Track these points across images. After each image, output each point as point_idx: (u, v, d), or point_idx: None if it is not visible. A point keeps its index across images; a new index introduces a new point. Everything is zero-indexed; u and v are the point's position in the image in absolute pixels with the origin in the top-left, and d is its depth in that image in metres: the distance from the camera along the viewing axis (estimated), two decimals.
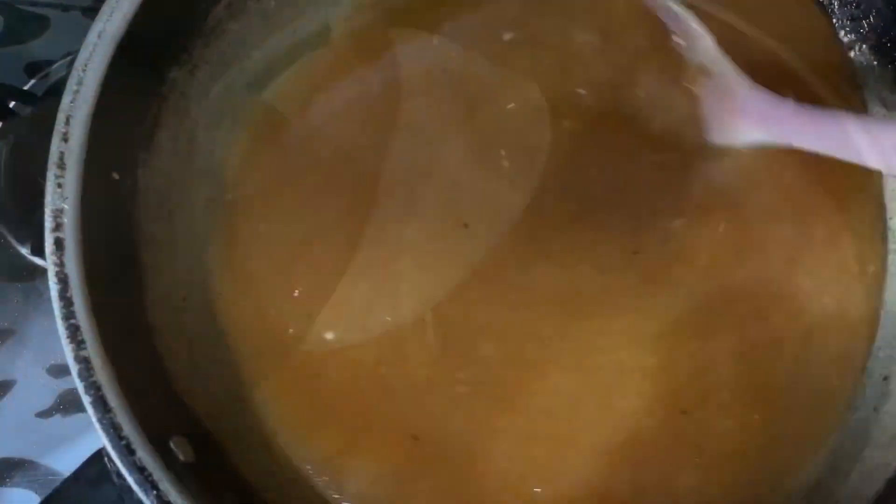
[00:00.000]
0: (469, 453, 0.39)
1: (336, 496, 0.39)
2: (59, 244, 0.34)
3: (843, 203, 0.43)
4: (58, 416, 0.53)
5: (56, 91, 0.57)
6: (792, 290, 0.41)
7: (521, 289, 0.41)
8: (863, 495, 0.38)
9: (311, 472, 0.39)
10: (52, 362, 0.54)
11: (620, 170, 0.42)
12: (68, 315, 0.33)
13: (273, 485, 0.39)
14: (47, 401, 0.53)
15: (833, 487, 0.39)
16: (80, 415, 0.53)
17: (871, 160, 0.35)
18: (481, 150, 0.43)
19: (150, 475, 0.31)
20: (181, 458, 0.34)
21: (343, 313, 0.41)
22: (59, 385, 0.53)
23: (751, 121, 0.39)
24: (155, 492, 0.31)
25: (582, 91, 0.43)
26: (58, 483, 0.50)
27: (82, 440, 0.52)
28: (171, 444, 0.34)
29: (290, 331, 0.41)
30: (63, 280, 0.34)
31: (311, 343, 0.41)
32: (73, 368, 0.32)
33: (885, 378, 0.41)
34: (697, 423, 0.40)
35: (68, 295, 0.33)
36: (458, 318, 0.40)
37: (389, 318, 0.40)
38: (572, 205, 0.42)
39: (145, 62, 0.41)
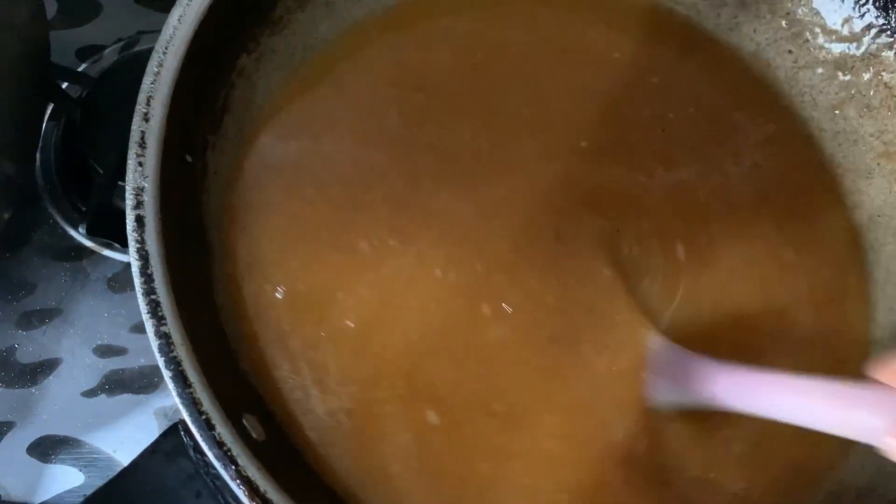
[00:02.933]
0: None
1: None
2: (139, 221, 0.35)
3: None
4: (103, 396, 0.53)
5: (108, 75, 0.58)
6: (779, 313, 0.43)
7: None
8: (891, 490, 0.38)
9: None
10: (98, 343, 0.54)
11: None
12: (149, 291, 0.34)
13: (328, 470, 0.39)
14: (93, 381, 0.53)
15: (857, 481, 0.40)
16: (125, 395, 0.53)
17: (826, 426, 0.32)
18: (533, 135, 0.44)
19: (230, 450, 0.32)
20: (254, 435, 0.35)
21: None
22: (106, 365, 0.54)
23: (667, 379, 0.37)
24: (234, 467, 0.31)
25: None
26: (101, 462, 0.51)
27: (127, 420, 0.53)
28: (244, 422, 0.34)
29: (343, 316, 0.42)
30: (144, 257, 0.34)
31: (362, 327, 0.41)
32: (154, 343, 0.33)
33: None
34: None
35: (149, 271, 0.34)
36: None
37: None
38: None
39: (218, 48, 0.42)
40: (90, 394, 0.53)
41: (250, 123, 0.45)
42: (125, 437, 0.52)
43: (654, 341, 0.38)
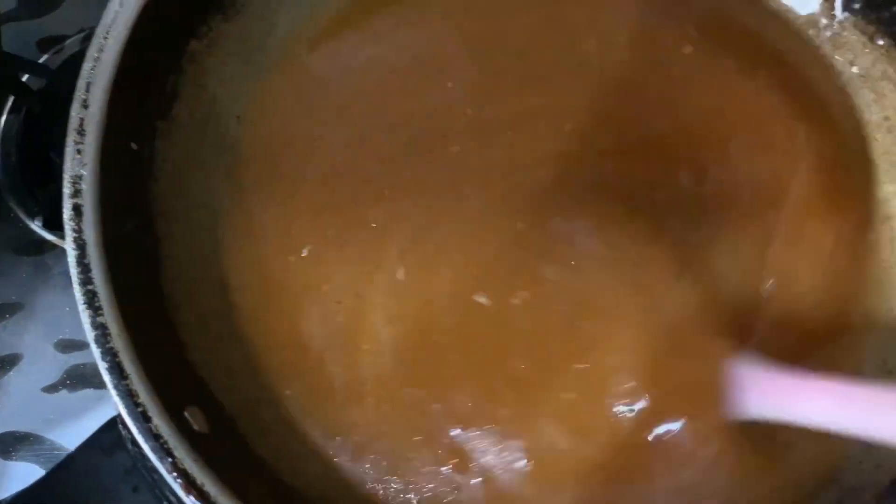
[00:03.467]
0: None
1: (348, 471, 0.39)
2: (77, 210, 0.34)
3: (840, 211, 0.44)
4: (64, 392, 0.53)
5: (69, 66, 0.57)
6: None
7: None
8: (878, 483, 0.38)
9: (322, 447, 0.38)
10: (60, 337, 0.53)
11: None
12: (86, 281, 0.33)
13: (285, 461, 0.38)
14: (54, 376, 0.53)
15: (847, 476, 0.39)
16: (87, 391, 0.53)
17: None
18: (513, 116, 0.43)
19: (166, 442, 0.31)
20: (196, 427, 0.34)
21: (354, 287, 0.41)
22: (67, 360, 0.53)
23: (749, 393, 0.35)
24: (170, 459, 0.31)
25: None
26: (62, 458, 0.51)
27: (88, 416, 0.52)
28: (186, 414, 0.34)
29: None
30: (81, 246, 0.33)
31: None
32: (90, 335, 0.32)
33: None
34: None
35: (86, 261, 0.33)
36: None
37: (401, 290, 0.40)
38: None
39: (164, 33, 0.41)
40: (51, 389, 0.52)
41: (204, 111, 0.44)
42: (87, 433, 0.51)
43: (742, 355, 0.37)
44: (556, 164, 0.42)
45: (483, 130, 0.43)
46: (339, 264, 0.41)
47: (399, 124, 0.43)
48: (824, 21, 0.46)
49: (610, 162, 0.43)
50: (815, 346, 0.41)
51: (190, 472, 0.31)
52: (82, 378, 0.52)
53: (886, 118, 0.45)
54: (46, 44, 0.60)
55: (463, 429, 0.39)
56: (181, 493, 0.30)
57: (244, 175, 0.43)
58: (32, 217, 0.55)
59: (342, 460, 0.39)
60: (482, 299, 0.40)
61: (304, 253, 0.41)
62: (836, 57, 0.47)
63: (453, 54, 0.45)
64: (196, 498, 0.30)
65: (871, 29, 0.45)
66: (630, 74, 0.44)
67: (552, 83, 0.44)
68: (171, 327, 0.38)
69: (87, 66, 0.36)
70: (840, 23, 0.46)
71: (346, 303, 0.40)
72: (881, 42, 0.45)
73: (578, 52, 0.45)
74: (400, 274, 0.41)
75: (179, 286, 0.40)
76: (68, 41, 0.60)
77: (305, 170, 0.43)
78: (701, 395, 0.38)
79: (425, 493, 0.39)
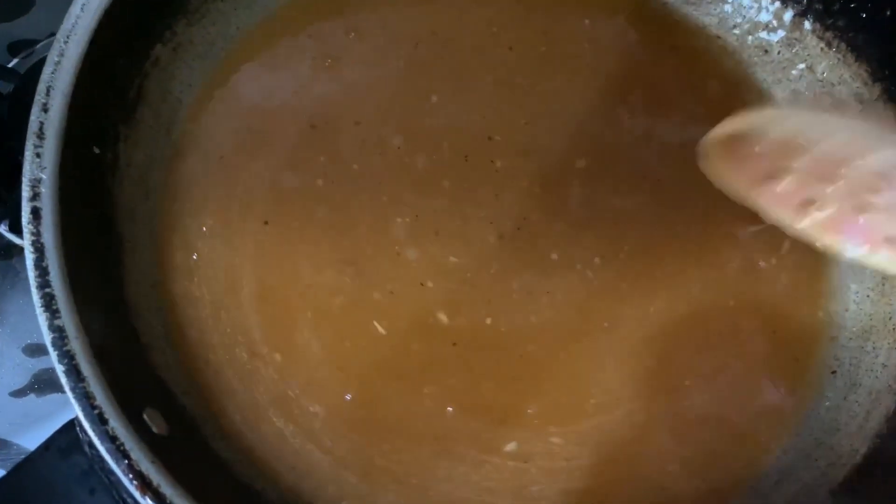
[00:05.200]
0: None
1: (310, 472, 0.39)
2: (35, 213, 0.34)
3: None
4: (32, 396, 0.52)
5: (38, 70, 0.57)
6: (756, 296, 0.42)
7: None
8: (832, 479, 0.38)
9: (271, 458, 0.39)
10: (28, 342, 0.53)
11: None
12: (43, 284, 0.33)
13: (246, 462, 0.39)
14: (22, 380, 0.53)
15: (802, 473, 0.40)
16: (55, 395, 0.52)
17: None
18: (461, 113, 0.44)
19: (122, 444, 0.31)
20: (154, 430, 0.34)
21: (316, 297, 0.41)
22: (35, 365, 0.53)
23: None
24: (126, 461, 0.31)
25: None
26: None
27: (56, 420, 0.52)
28: (145, 416, 0.34)
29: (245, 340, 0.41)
30: (39, 249, 0.33)
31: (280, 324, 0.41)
32: (47, 337, 0.32)
33: (854, 366, 0.42)
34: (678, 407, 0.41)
35: (44, 264, 0.33)
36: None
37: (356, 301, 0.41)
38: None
39: (128, 37, 0.41)
40: (19, 394, 0.52)
41: (169, 115, 0.44)
42: None
43: None
44: None
45: (423, 132, 0.44)
46: (304, 266, 0.41)
47: (350, 125, 0.44)
48: (783, 26, 0.47)
49: None
50: None
51: (146, 473, 0.31)
52: (50, 382, 0.52)
53: None
54: (16, 48, 0.60)
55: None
56: (137, 494, 0.30)
57: (194, 192, 0.43)
58: (0, 221, 0.55)
59: (304, 463, 0.39)
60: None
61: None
62: (795, 63, 0.47)
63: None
64: (152, 499, 0.30)
65: (829, 35, 0.46)
66: None
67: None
68: (133, 330, 0.38)
69: (47, 69, 0.37)
70: (798, 29, 0.47)
71: (312, 306, 0.41)
72: (839, 48, 0.46)
73: None
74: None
75: (141, 290, 0.40)
76: (38, 45, 0.60)
77: (265, 167, 0.43)
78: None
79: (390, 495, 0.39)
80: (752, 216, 0.40)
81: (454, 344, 0.40)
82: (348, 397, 0.40)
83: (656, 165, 0.44)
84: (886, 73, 0.43)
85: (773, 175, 0.35)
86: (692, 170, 0.42)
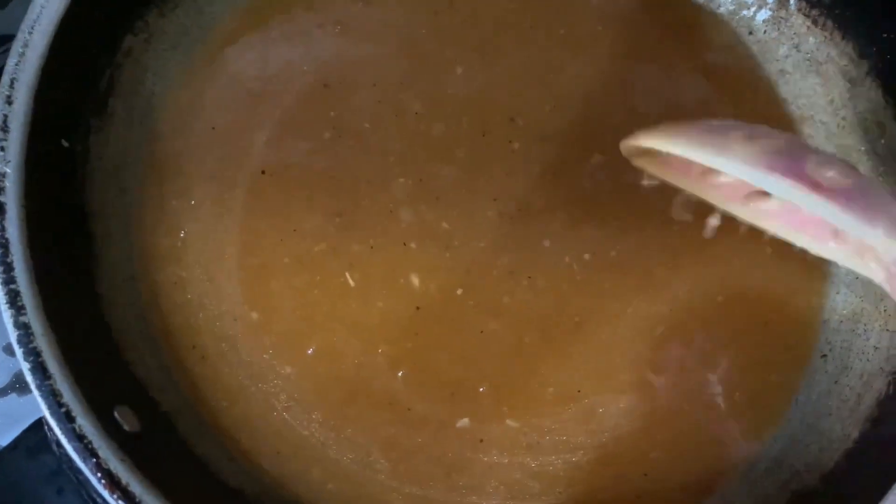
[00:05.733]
0: None
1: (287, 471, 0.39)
2: (0, 208, 0.33)
3: None
4: (13, 395, 0.52)
5: None
6: (748, 287, 0.42)
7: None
8: (823, 464, 0.37)
9: (254, 448, 0.38)
10: (8, 341, 0.52)
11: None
12: (8, 280, 0.32)
13: (225, 457, 0.38)
14: (2, 379, 0.52)
15: (793, 459, 0.39)
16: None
17: None
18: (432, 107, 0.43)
19: (90, 443, 0.30)
20: (125, 427, 0.33)
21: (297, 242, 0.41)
22: (16, 364, 0.52)
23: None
24: (94, 460, 0.30)
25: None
26: None
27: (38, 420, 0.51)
28: (115, 414, 0.33)
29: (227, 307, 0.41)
30: (3, 244, 0.33)
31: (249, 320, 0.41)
32: (13, 335, 0.32)
33: (846, 349, 0.41)
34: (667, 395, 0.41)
35: (9, 260, 0.33)
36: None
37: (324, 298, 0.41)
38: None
39: (97, 28, 0.40)
40: (0, 393, 0.52)
41: (144, 106, 0.43)
42: None
43: None
44: None
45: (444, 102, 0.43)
46: (293, 211, 0.41)
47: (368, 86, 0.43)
48: (767, 5, 0.46)
49: None
50: None
51: (114, 472, 0.30)
52: None
53: (831, 101, 0.45)
54: None
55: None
56: (105, 493, 0.30)
57: (182, 168, 0.42)
58: None
59: (287, 444, 0.39)
60: None
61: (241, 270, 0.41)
62: (782, 42, 0.46)
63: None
64: (120, 497, 0.30)
65: (815, 13, 0.45)
66: None
67: None
68: (106, 327, 0.37)
69: (10, 61, 0.36)
70: (784, 7, 0.46)
71: (292, 252, 0.41)
72: (825, 26, 0.45)
73: None
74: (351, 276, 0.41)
75: (115, 284, 0.39)
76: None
77: (269, 121, 0.43)
78: None
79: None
80: None
81: (417, 308, 0.40)
82: (311, 351, 0.40)
83: None
84: (873, 49, 0.43)
85: (708, 171, 0.34)
86: None
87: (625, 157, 0.39)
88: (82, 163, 0.40)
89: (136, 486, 0.30)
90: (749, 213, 0.35)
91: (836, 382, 0.40)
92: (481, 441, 0.39)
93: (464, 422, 0.40)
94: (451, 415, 0.40)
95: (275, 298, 0.40)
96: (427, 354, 0.40)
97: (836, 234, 0.33)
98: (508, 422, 0.40)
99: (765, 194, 0.33)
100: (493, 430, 0.40)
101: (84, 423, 0.31)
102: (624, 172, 0.42)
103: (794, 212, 0.33)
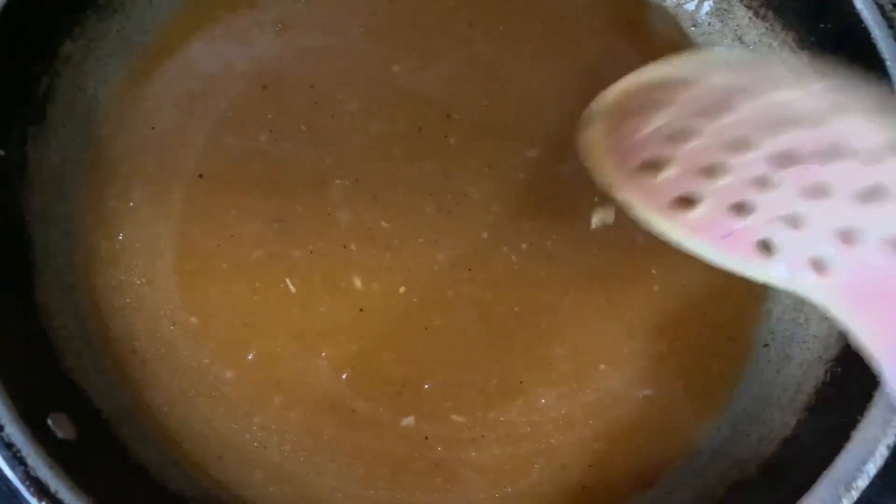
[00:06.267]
0: None
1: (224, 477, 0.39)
2: None
3: None
4: None
5: None
6: (683, 278, 0.42)
7: None
8: (761, 454, 0.38)
9: (196, 451, 0.38)
10: None
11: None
12: None
13: (167, 462, 0.38)
14: None
15: (734, 448, 0.39)
16: None
17: None
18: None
19: (19, 451, 0.30)
20: (59, 434, 0.33)
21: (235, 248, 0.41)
22: None
23: None
24: (22, 468, 0.30)
25: None
26: None
27: None
28: (49, 421, 0.33)
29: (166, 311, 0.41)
30: None
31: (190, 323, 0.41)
32: None
33: (787, 339, 0.41)
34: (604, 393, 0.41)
35: None
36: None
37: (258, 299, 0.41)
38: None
39: (32, 35, 0.40)
40: None
41: (85, 113, 0.43)
42: None
43: None
44: None
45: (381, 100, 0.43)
46: (231, 216, 0.41)
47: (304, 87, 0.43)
48: None
49: None
50: None
51: (43, 480, 0.30)
52: None
53: None
54: None
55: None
56: (33, 501, 0.30)
57: (121, 170, 0.42)
58: None
59: (230, 448, 0.39)
60: None
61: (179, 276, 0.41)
62: (725, 34, 0.47)
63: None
64: None
65: (757, 4, 0.45)
66: None
67: None
68: (43, 334, 0.37)
69: None
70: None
71: (231, 258, 0.41)
72: (766, 17, 0.45)
73: None
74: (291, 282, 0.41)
75: (54, 291, 0.39)
76: None
77: (206, 124, 0.43)
78: None
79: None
80: None
81: (361, 310, 0.40)
82: (251, 356, 0.39)
83: None
84: (812, 39, 0.43)
85: (651, 164, 0.34)
86: None
87: (559, 151, 0.40)
88: (19, 170, 0.40)
89: (65, 493, 0.30)
90: (671, 226, 0.35)
91: (777, 372, 0.41)
92: (426, 438, 0.40)
93: (409, 420, 0.40)
94: (396, 414, 0.40)
95: (213, 304, 0.40)
96: (372, 355, 0.40)
97: (765, 247, 0.33)
98: (453, 417, 0.40)
99: (691, 203, 0.33)
100: (437, 427, 0.40)
101: (13, 431, 0.31)
102: (559, 165, 0.42)
103: (719, 223, 0.33)
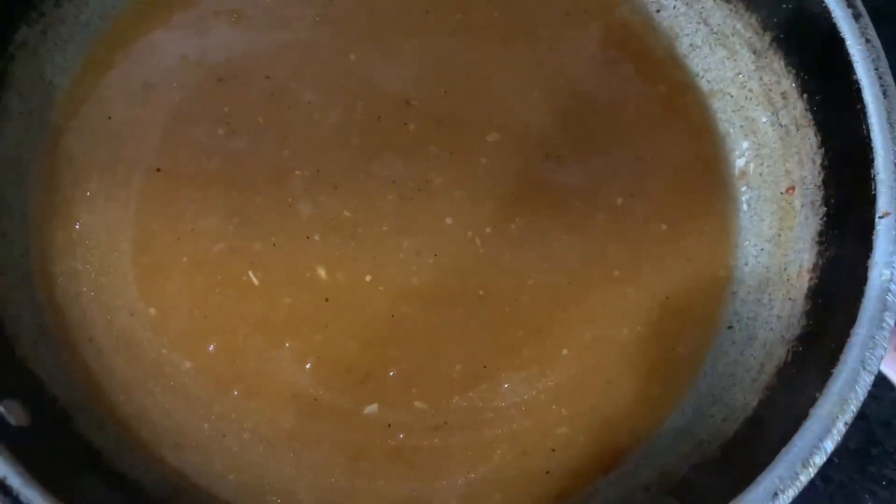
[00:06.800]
0: None
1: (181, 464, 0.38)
2: None
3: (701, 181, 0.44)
4: None
5: None
6: (643, 262, 0.42)
7: None
8: (724, 433, 0.38)
9: (154, 439, 0.38)
10: None
11: None
12: None
13: (124, 449, 0.38)
14: None
15: (698, 429, 0.39)
16: None
17: None
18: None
19: None
20: (12, 421, 0.33)
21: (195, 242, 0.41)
22: None
23: None
24: None
25: None
26: None
27: None
28: (0, 408, 0.33)
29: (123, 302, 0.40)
30: None
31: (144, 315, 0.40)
32: None
33: (752, 320, 0.41)
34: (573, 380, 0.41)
35: None
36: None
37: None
38: None
39: None
40: None
41: (42, 100, 0.42)
42: None
43: None
44: None
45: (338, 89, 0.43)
46: (188, 211, 0.41)
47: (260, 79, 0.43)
48: None
49: None
50: None
51: None
52: None
53: (738, 73, 0.45)
54: None
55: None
56: None
57: (77, 159, 0.42)
58: None
59: (188, 437, 0.38)
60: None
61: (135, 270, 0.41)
62: (691, 17, 0.46)
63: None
64: None
65: None
66: None
67: None
68: None
69: None
70: None
71: (189, 252, 0.40)
72: None
73: None
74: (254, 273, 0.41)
75: (11, 280, 0.39)
76: None
77: (163, 117, 0.42)
78: None
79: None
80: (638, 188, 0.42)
81: (326, 300, 0.40)
82: (211, 348, 0.39)
83: (561, 141, 0.44)
84: (775, 21, 0.43)
85: None
86: (591, 143, 0.44)
87: (519, 136, 0.40)
88: None
89: (14, 480, 0.30)
90: None
91: (742, 353, 0.41)
92: (389, 426, 0.39)
93: (372, 408, 0.39)
94: (359, 402, 0.39)
95: (172, 296, 0.40)
96: (336, 344, 0.40)
97: None
98: (416, 404, 0.39)
99: None
100: (400, 414, 0.39)
101: None
102: (520, 150, 0.42)
103: None
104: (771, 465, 0.32)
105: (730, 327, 0.42)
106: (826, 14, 0.39)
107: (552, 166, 0.43)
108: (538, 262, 0.41)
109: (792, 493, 0.31)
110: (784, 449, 0.32)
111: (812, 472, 0.32)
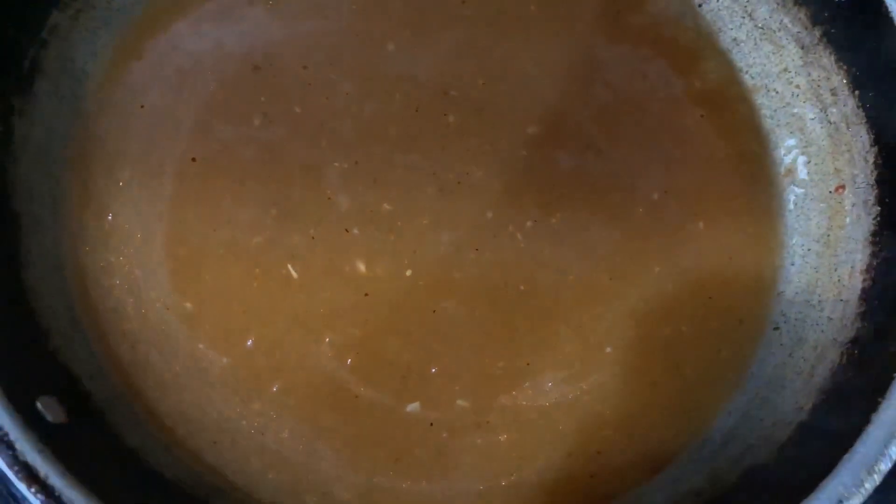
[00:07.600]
0: None
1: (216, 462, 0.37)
2: None
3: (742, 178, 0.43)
4: None
5: None
6: (684, 261, 0.41)
7: None
8: (776, 439, 0.37)
9: (190, 437, 0.37)
10: None
11: None
12: None
13: (159, 447, 0.37)
14: None
15: (747, 433, 0.38)
16: None
17: None
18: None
19: (6, 435, 0.29)
20: (49, 418, 0.32)
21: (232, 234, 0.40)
22: None
23: None
24: (10, 452, 0.29)
25: None
26: None
27: None
28: (38, 405, 0.32)
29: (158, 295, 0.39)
30: None
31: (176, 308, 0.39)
32: None
33: (800, 321, 0.40)
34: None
35: None
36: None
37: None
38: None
39: (16, 3, 0.38)
40: None
41: (73, 86, 0.41)
42: None
43: None
44: None
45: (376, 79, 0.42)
46: (225, 201, 0.40)
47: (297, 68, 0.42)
48: None
49: None
50: None
51: (32, 464, 0.29)
52: None
53: (784, 69, 0.44)
54: None
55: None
56: (22, 487, 0.28)
57: (110, 148, 0.40)
58: None
59: (226, 434, 0.38)
60: None
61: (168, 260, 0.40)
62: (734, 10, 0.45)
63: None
64: (38, 491, 0.28)
65: None
66: None
67: None
68: (31, 314, 0.36)
69: None
70: None
71: (227, 243, 0.39)
72: None
73: None
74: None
75: (43, 271, 0.38)
76: None
77: (198, 106, 0.41)
78: None
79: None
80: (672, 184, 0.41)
81: (366, 294, 0.39)
82: (250, 342, 0.38)
83: (598, 134, 0.43)
84: (826, 15, 0.42)
85: None
86: (628, 136, 0.42)
87: (559, 129, 0.39)
88: (4, 145, 0.38)
89: (56, 479, 0.29)
90: None
91: (790, 355, 0.40)
92: (431, 424, 0.38)
93: (414, 406, 0.38)
94: (401, 399, 0.38)
95: (209, 289, 0.39)
96: (377, 340, 0.39)
97: None
98: (459, 402, 0.39)
99: None
100: (443, 413, 0.38)
101: (0, 413, 0.29)
102: (560, 142, 0.41)
103: None
104: (833, 471, 0.31)
105: (776, 328, 0.41)
106: (882, 8, 0.38)
107: (591, 158, 0.42)
108: (579, 257, 0.40)
109: (857, 500, 0.30)
110: (846, 455, 0.32)
111: (878, 478, 0.31)
